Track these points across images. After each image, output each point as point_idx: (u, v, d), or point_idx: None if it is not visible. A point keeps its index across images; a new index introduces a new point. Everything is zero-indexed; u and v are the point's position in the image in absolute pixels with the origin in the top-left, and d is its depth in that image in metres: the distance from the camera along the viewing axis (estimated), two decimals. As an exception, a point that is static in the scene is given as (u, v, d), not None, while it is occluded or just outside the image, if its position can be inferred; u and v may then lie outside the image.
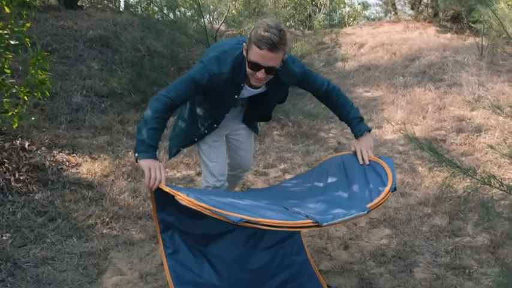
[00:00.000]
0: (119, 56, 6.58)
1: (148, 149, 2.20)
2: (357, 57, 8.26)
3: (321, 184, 2.54)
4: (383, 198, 2.14)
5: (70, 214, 3.35)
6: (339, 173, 2.53)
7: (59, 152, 4.21)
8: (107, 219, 3.34)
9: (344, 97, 2.61)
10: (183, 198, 1.98)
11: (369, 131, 2.55)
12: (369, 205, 2.07)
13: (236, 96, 2.46)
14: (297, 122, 5.36)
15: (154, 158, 2.19)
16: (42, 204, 3.43)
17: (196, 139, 2.74)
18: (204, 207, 1.92)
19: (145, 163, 2.15)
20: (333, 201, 2.23)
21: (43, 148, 4.18)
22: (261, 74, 2.24)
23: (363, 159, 2.46)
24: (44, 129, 4.58)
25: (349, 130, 5.15)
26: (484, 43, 7.08)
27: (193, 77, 2.33)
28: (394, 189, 2.22)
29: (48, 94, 3.79)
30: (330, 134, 5.18)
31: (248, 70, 2.27)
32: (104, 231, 3.24)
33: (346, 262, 2.99)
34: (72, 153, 4.27)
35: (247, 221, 1.85)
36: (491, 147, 3.93)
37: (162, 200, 2.39)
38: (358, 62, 8.00)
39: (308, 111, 5.60)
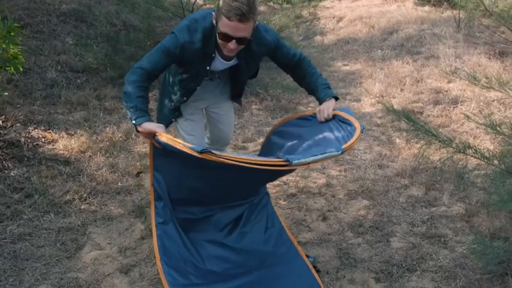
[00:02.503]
0: (93, 31, 6.42)
1: (144, 114, 2.21)
2: (336, 31, 8.23)
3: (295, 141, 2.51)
4: (356, 139, 2.14)
5: (47, 190, 3.31)
6: (304, 132, 2.49)
7: (35, 128, 4.13)
8: (85, 195, 3.31)
9: (314, 67, 2.58)
10: (163, 136, 2.09)
11: (336, 98, 2.48)
12: (343, 146, 2.07)
13: (208, 68, 2.44)
14: (276, 96, 5.35)
15: (151, 120, 2.21)
16: (18, 181, 3.38)
17: (173, 117, 2.73)
18: (177, 142, 2.02)
19: (150, 125, 2.18)
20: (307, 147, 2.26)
21: (18, 124, 4.10)
22: (232, 45, 2.22)
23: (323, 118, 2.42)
24: (19, 106, 4.47)
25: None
26: (461, 16, 7.12)
27: (164, 46, 2.31)
28: (363, 129, 2.23)
29: (21, 69, 3.70)
30: (309, 108, 5.19)
31: (219, 41, 2.25)
32: (82, 206, 3.21)
33: (325, 233, 3.03)
34: (48, 129, 4.19)
35: (211, 152, 1.89)
36: (468, 116, 3.98)
37: (159, 171, 2.44)
38: (336, 36, 7.98)
39: (287, 85, 5.57)
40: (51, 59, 5.54)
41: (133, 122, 2.20)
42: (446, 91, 5.27)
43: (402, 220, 3.16)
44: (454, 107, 4.86)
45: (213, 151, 1.92)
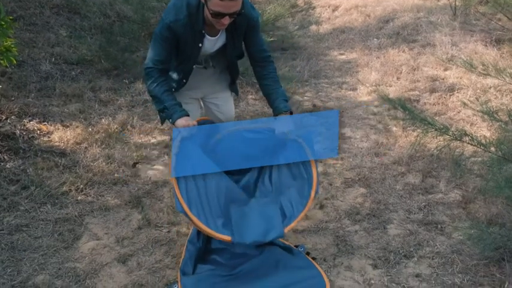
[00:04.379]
0: (87, 22, 6.38)
1: (175, 110, 2.36)
2: (331, 20, 8.19)
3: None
4: (300, 218, 2.39)
5: (43, 182, 3.30)
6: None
7: (30, 120, 4.12)
8: (81, 186, 3.30)
9: (277, 74, 2.64)
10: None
11: (291, 112, 2.56)
12: (286, 228, 2.31)
13: (200, 45, 2.45)
14: (272, 86, 5.32)
15: (185, 113, 2.37)
16: (14, 173, 3.37)
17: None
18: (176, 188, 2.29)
19: (181, 121, 2.35)
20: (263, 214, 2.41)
21: (13, 117, 4.08)
22: (225, 20, 2.25)
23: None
24: (13, 98, 4.45)
25: (323, 93, 5.19)
26: (457, 3, 7.09)
27: (156, 34, 2.37)
28: (317, 193, 2.45)
29: (14, 61, 3.69)
30: (305, 97, 5.18)
31: (212, 19, 2.26)
32: (79, 197, 3.21)
33: (322, 221, 3.03)
34: (43, 121, 4.17)
35: (185, 212, 2.25)
36: (464, 103, 3.98)
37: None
38: (332, 25, 7.95)
39: (282, 74, 5.55)
40: (45, 51, 5.52)
41: (170, 120, 2.38)
42: (443, 79, 5.27)
43: (399, 207, 3.16)
44: (450, 95, 4.85)
45: (187, 211, 2.25)
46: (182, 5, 2.32)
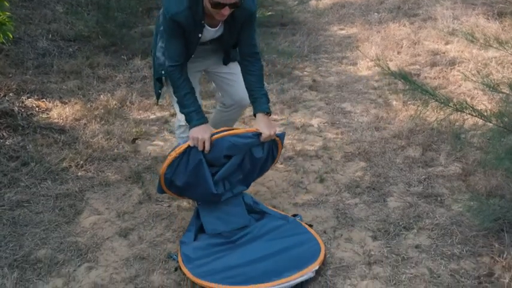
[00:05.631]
0: (84, -2, 6.32)
1: (192, 117, 2.43)
2: (331, -5, 8.09)
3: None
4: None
5: (43, 158, 3.30)
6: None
7: (28, 97, 4.11)
8: (81, 162, 3.30)
9: (263, 73, 2.66)
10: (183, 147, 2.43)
11: (270, 115, 2.60)
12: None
13: (200, 35, 2.45)
14: (271, 61, 5.29)
15: (201, 121, 2.43)
16: (13, 150, 3.37)
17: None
18: (169, 156, 2.41)
19: (193, 132, 2.40)
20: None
21: (11, 94, 4.06)
22: (225, 11, 2.24)
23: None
24: (11, 75, 4.43)
25: (323, 68, 5.15)
26: (458, -24, 7.00)
27: (165, 30, 2.40)
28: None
29: (11, 36, 3.65)
30: (305, 72, 5.14)
31: (211, 10, 2.26)
32: (79, 173, 3.21)
33: (322, 194, 3.04)
34: (42, 98, 4.16)
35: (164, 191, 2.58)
36: (465, 75, 3.95)
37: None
38: (332, 0, 7.85)
39: (282, 50, 5.51)
40: (41, 28, 5.47)
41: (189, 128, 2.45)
42: (444, 53, 5.23)
43: (399, 180, 3.16)
44: (451, 69, 4.82)
45: (166, 188, 2.52)
46: None
